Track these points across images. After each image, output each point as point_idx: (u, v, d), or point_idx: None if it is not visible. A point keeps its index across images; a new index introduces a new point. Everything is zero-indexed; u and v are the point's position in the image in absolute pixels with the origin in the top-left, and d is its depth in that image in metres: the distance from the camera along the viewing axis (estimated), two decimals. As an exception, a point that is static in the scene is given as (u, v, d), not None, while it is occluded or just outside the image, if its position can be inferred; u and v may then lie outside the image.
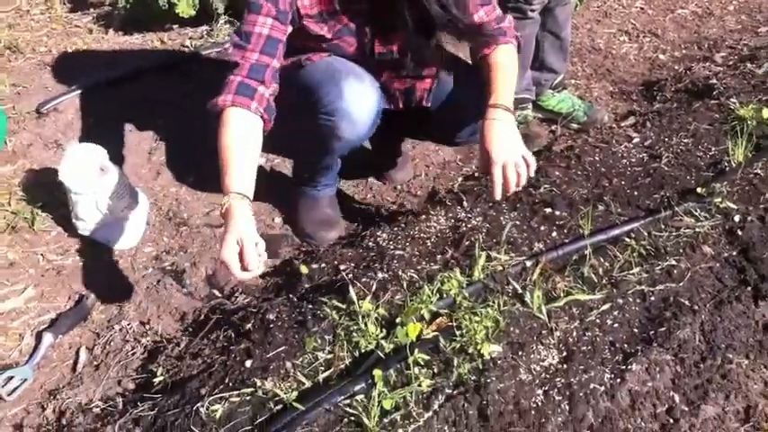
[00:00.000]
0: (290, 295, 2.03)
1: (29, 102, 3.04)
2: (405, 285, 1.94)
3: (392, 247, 2.14)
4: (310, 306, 1.91)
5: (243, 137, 1.91)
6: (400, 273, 1.98)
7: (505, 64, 2.14)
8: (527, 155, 1.98)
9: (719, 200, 2.23)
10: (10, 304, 2.24)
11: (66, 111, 2.99)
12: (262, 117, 1.96)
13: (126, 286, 2.26)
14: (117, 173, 2.43)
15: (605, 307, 1.89)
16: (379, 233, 2.25)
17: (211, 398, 1.67)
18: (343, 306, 1.87)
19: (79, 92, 3.07)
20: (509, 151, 1.97)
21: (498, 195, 1.98)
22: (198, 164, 2.73)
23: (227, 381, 1.72)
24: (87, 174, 2.38)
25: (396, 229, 2.26)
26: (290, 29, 2.07)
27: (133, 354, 2.04)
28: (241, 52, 2.00)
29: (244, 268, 1.74)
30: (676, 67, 3.32)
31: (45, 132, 2.90)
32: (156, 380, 1.85)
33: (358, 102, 2.12)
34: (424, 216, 2.30)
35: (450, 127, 2.39)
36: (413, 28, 2.08)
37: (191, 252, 2.40)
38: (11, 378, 2.00)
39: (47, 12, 3.93)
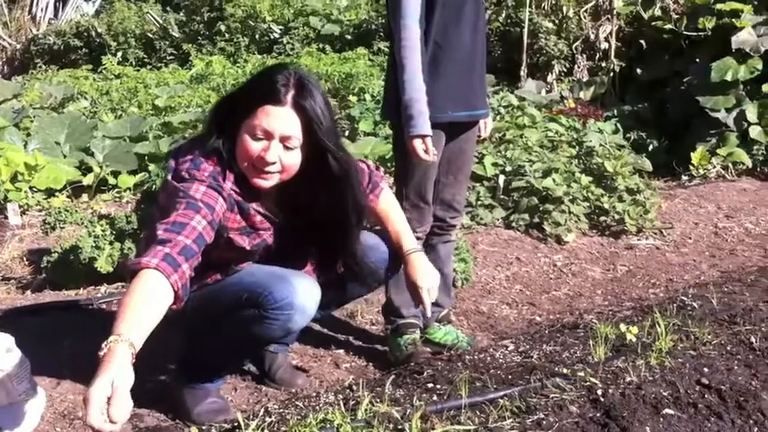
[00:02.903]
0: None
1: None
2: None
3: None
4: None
5: (152, 295, 1.98)
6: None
7: (395, 208, 2.67)
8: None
9: (583, 374, 2.45)
10: None
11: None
12: (176, 293, 2.02)
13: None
14: (21, 356, 2.52)
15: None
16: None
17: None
18: None
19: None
20: (432, 279, 2.62)
21: (430, 312, 2.69)
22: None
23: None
24: (-9, 351, 2.47)
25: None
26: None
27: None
28: (172, 235, 2.10)
29: (108, 417, 1.63)
30: (551, 321, 3.69)
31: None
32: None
33: (309, 295, 2.38)
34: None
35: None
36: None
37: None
38: None
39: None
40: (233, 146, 2.32)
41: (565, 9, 7.78)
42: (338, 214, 2.46)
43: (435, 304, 3.24)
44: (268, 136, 2.27)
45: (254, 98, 2.30)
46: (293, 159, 2.32)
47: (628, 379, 2.42)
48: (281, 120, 2.27)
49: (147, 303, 1.94)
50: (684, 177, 6.17)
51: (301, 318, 2.38)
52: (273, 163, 2.29)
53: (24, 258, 4.36)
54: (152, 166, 5.52)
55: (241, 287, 2.41)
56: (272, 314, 2.35)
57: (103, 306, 3.50)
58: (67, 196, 5.33)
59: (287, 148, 2.29)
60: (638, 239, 4.84)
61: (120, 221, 3.84)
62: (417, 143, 2.80)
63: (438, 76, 2.88)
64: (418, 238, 3.05)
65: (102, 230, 3.80)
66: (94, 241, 3.74)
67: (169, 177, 2.30)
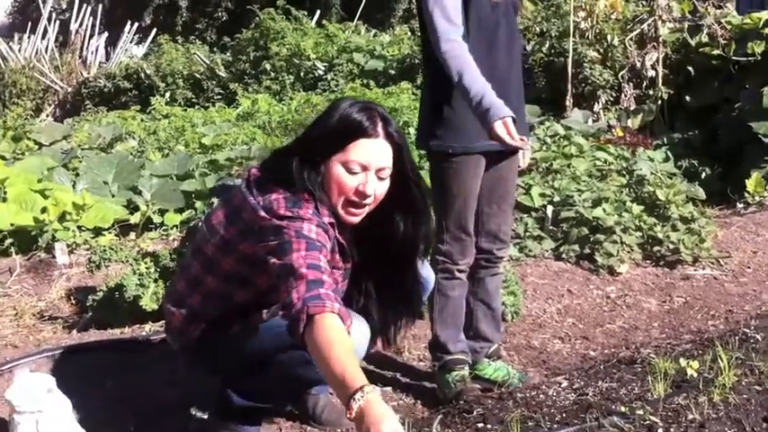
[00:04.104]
0: None
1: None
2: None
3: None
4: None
5: (349, 339, 1.97)
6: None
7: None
8: None
9: (642, 412, 2.34)
10: None
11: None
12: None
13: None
14: (63, 398, 2.49)
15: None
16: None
17: None
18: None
19: (35, 357, 3.20)
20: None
21: None
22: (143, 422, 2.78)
23: None
24: (33, 392, 2.44)
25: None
26: None
27: None
28: (318, 274, 2.07)
29: None
30: (606, 356, 3.56)
31: (-4, 389, 2.97)
32: None
33: (359, 336, 2.29)
34: None
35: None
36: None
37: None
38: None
39: (15, 319, 4.16)
40: (321, 182, 2.30)
41: (609, 38, 7.66)
42: (409, 245, 2.45)
43: (485, 339, 3.17)
44: (364, 169, 2.29)
45: (344, 134, 2.30)
46: (384, 189, 2.35)
47: (690, 417, 2.30)
48: (376, 152, 2.30)
49: (351, 347, 1.93)
50: (740, 205, 5.98)
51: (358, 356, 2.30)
52: (370, 195, 2.30)
53: (71, 297, 4.36)
54: (198, 204, 5.52)
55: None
56: None
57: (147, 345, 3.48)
58: (115, 235, 5.35)
59: (380, 178, 2.32)
60: (695, 269, 4.68)
61: (164, 259, 3.83)
62: (499, 126, 2.64)
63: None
64: (461, 271, 2.98)
65: (147, 268, 3.79)
66: (139, 279, 3.73)
67: (262, 214, 2.25)
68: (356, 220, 2.35)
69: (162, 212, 5.60)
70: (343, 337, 1.93)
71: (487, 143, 2.79)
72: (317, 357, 1.91)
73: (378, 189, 2.32)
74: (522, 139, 2.67)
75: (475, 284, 3.09)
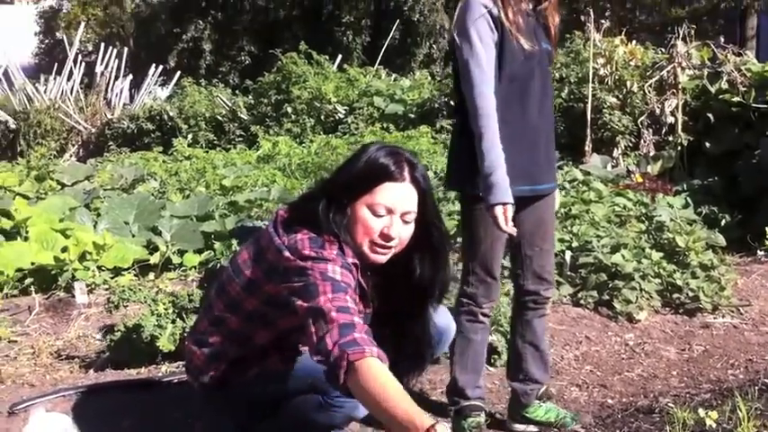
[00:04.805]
0: None
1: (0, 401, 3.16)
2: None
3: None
4: None
5: (397, 381, 1.96)
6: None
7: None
8: None
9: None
10: None
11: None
12: None
13: None
14: (78, 437, 2.50)
15: None
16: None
17: None
18: None
19: (51, 396, 3.21)
20: None
21: None
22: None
23: None
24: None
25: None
26: None
27: None
28: (349, 316, 2.08)
29: None
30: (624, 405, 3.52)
31: (13, 428, 2.97)
32: None
33: None
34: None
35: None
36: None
37: None
38: None
39: (33, 358, 4.18)
40: (347, 224, 2.33)
41: (629, 84, 7.69)
42: (426, 287, 2.47)
43: (535, 381, 3.15)
44: (390, 212, 2.33)
45: (371, 177, 2.33)
46: (409, 232, 2.37)
47: (709, 468, 2.27)
48: (402, 196, 2.33)
49: (402, 388, 1.94)
50: (760, 252, 5.93)
51: None
52: (395, 238, 2.33)
53: (89, 337, 4.39)
54: (217, 245, 5.55)
55: (306, 371, 2.34)
56: (338, 402, 2.29)
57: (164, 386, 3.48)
58: (134, 275, 5.39)
59: (405, 222, 2.35)
60: (715, 318, 4.64)
61: (182, 300, 3.84)
62: (498, 211, 2.73)
63: (504, 149, 2.79)
64: (484, 315, 2.98)
65: (165, 309, 3.81)
66: (157, 320, 3.75)
67: (287, 254, 2.26)
68: (383, 259, 2.36)
69: (181, 253, 5.64)
70: (392, 379, 1.94)
71: (519, 189, 2.83)
72: (370, 402, 1.91)
73: (403, 232, 2.35)
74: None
75: (523, 327, 3.10)
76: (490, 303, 3.01)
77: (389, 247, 2.34)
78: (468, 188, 2.91)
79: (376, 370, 1.94)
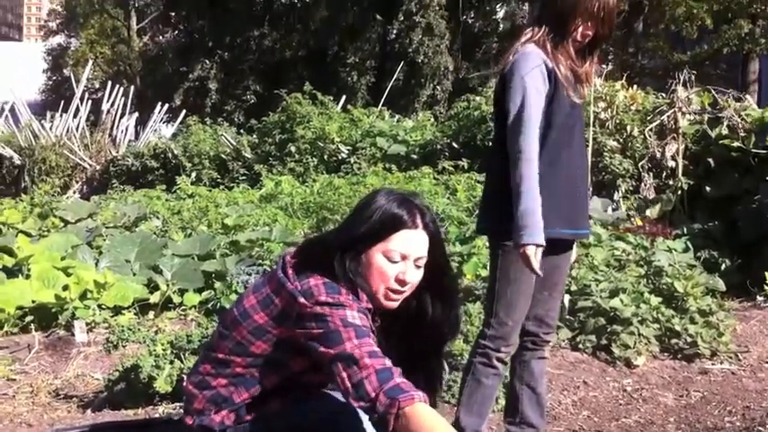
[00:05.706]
0: None
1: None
2: None
3: None
4: None
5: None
6: None
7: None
8: None
9: None
10: None
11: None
12: None
13: None
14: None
15: None
16: None
17: None
18: None
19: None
20: None
21: None
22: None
23: None
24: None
25: None
26: None
27: None
28: (382, 360, 2.15)
29: None
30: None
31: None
32: None
33: None
34: None
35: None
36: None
37: None
38: None
39: (31, 396, 4.19)
40: (362, 271, 2.37)
41: (629, 128, 7.75)
42: (437, 330, 2.48)
43: (530, 425, 3.15)
44: (404, 258, 2.37)
45: (385, 228, 2.38)
46: (420, 276, 2.41)
47: None
48: (417, 243, 2.38)
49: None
50: (760, 298, 5.92)
51: None
52: (409, 283, 2.37)
53: (88, 376, 4.39)
54: (218, 284, 5.58)
55: (331, 409, 2.36)
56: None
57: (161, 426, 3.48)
58: (134, 314, 5.40)
59: (417, 266, 2.40)
60: (713, 364, 4.63)
61: (180, 340, 3.86)
62: (531, 251, 2.80)
63: (548, 194, 2.89)
64: (499, 360, 3.01)
65: (164, 349, 3.82)
66: (155, 360, 3.76)
67: (302, 300, 2.28)
68: (395, 305, 2.40)
69: (182, 292, 5.66)
70: (440, 419, 2.03)
71: (558, 231, 2.92)
72: None
73: (415, 278, 2.40)
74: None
75: (521, 367, 3.11)
76: (507, 348, 3.02)
77: (403, 292, 2.39)
78: (503, 230, 2.95)
79: (425, 414, 2.02)
